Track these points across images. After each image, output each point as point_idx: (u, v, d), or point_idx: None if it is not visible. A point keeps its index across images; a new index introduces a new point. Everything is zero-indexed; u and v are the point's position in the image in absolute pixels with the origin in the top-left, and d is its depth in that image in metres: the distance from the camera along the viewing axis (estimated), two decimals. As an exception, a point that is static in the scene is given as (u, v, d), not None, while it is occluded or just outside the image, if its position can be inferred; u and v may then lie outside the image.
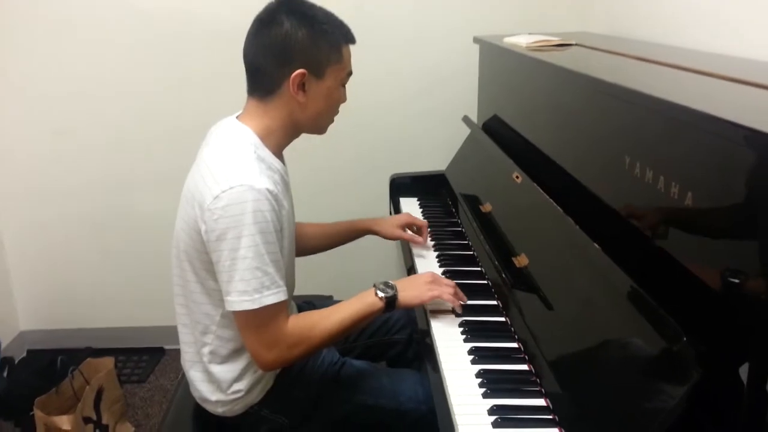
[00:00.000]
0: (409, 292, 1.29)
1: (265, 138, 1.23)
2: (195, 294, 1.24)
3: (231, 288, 1.13)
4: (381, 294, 1.25)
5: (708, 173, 0.83)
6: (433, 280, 1.33)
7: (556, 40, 1.67)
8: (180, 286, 1.28)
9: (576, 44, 1.66)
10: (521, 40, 1.68)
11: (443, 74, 2.26)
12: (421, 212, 1.94)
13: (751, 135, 0.71)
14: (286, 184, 1.28)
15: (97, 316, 2.54)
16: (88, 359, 2.12)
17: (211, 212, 1.11)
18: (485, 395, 1.07)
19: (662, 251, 0.94)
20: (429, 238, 1.71)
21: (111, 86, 2.26)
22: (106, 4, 2.18)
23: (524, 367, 1.15)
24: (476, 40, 1.99)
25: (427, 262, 1.60)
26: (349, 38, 1.26)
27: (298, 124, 1.26)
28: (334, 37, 1.22)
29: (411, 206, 1.99)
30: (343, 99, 1.30)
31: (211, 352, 1.25)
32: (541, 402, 1.05)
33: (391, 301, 1.25)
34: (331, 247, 1.69)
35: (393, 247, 2.34)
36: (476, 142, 1.94)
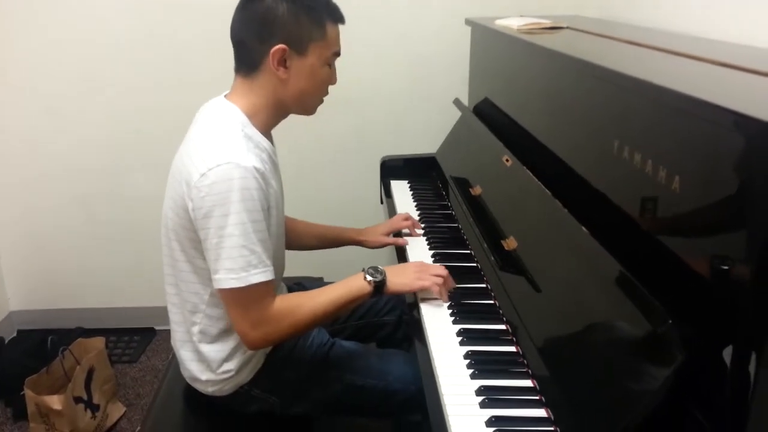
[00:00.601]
0: (398, 279, 1.29)
1: (252, 116, 1.22)
2: (184, 273, 1.24)
3: (218, 266, 1.13)
4: (370, 278, 1.26)
5: (696, 158, 0.84)
6: (423, 269, 1.33)
7: (547, 23, 1.67)
8: (169, 266, 1.28)
9: (567, 27, 1.66)
10: (513, 23, 1.67)
11: (435, 57, 2.24)
12: (412, 195, 1.94)
13: (739, 120, 0.71)
14: (274, 163, 1.28)
15: (87, 297, 2.54)
16: (79, 339, 2.12)
17: (198, 190, 1.11)
18: (473, 376, 1.09)
19: (649, 235, 0.95)
20: (419, 221, 1.72)
21: (101, 69, 2.24)
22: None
23: (512, 348, 1.16)
24: (468, 22, 1.98)
25: (417, 244, 1.61)
26: (336, 17, 1.24)
27: (283, 102, 1.24)
28: (317, 13, 1.20)
29: (401, 189, 2.00)
30: (333, 80, 1.29)
31: (201, 332, 1.26)
32: (527, 383, 1.07)
33: (379, 287, 1.26)
34: (319, 248, 1.69)
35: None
36: (467, 125, 1.94)
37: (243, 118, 1.21)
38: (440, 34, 2.21)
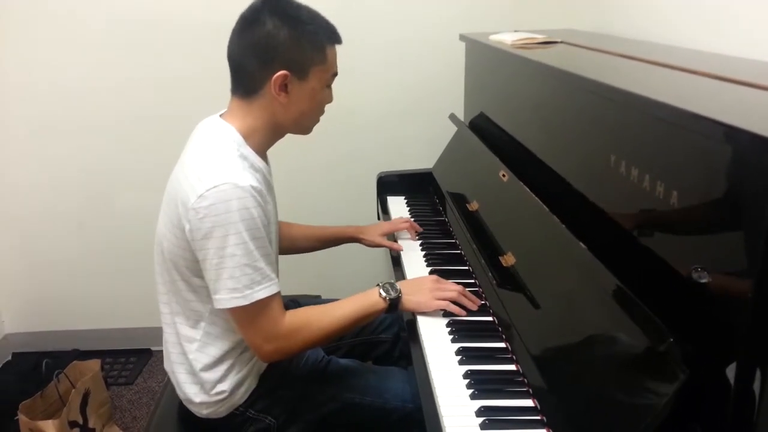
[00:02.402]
0: (414, 297, 1.30)
1: (248, 137, 1.22)
2: (182, 292, 1.23)
3: (219, 286, 1.13)
4: (384, 295, 1.27)
5: (693, 172, 0.83)
6: (438, 286, 1.32)
7: (541, 37, 1.67)
8: (163, 284, 1.27)
9: (561, 42, 1.65)
10: (506, 38, 1.67)
11: (430, 72, 2.25)
12: (408, 210, 1.93)
13: (735, 134, 0.70)
14: (268, 183, 1.27)
15: (83, 318, 2.51)
16: (75, 362, 2.10)
17: (196, 211, 1.10)
18: (473, 396, 1.07)
19: (648, 250, 0.94)
20: (417, 237, 1.71)
21: (92, 83, 2.23)
22: (85, 3, 2.14)
23: (512, 367, 1.15)
24: (462, 37, 1.98)
25: (414, 260, 1.60)
26: (335, 39, 1.24)
27: (281, 124, 1.25)
28: (317, 37, 1.20)
29: (398, 205, 1.99)
30: (329, 99, 1.29)
31: (198, 350, 1.25)
32: (528, 403, 1.05)
33: (393, 303, 1.27)
34: (316, 250, 1.71)
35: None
36: (463, 140, 1.94)
37: (239, 139, 1.20)
38: (435, 49, 2.21)
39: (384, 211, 1.98)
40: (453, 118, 2.05)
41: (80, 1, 2.14)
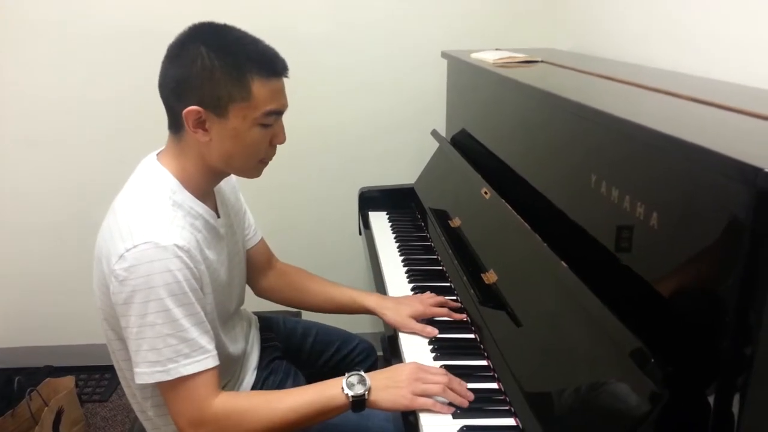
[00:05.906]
0: (387, 393, 1.08)
1: (184, 180, 1.11)
2: (122, 362, 1.13)
3: (139, 358, 1.02)
4: (347, 391, 1.07)
5: (673, 194, 0.84)
6: (419, 377, 1.10)
7: (522, 56, 1.69)
8: (108, 343, 1.17)
9: (542, 61, 1.68)
10: (488, 56, 1.69)
11: (412, 88, 2.25)
12: (390, 226, 1.93)
13: (712, 157, 0.72)
14: (212, 229, 1.16)
15: (56, 333, 2.45)
16: (48, 379, 2.05)
17: (116, 274, 1.01)
18: (455, 416, 1.07)
19: (628, 270, 0.95)
20: (398, 253, 1.71)
21: (78, 98, 2.19)
22: (76, 15, 2.11)
23: (494, 385, 1.15)
24: (444, 54, 2.00)
25: (396, 277, 1.59)
26: (270, 72, 1.07)
27: (212, 165, 1.12)
28: (238, 71, 1.05)
29: (380, 220, 1.99)
30: (279, 139, 1.14)
31: (158, 415, 1.17)
32: (510, 422, 1.05)
33: (359, 402, 1.07)
34: (331, 312, 1.49)
35: (362, 259, 2.33)
36: (444, 156, 1.95)
37: (173, 183, 1.10)
38: (417, 65, 2.22)
39: (366, 226, 1.98)
40: (435, 134, 2.07)
41: (72, 13, 2.11)
